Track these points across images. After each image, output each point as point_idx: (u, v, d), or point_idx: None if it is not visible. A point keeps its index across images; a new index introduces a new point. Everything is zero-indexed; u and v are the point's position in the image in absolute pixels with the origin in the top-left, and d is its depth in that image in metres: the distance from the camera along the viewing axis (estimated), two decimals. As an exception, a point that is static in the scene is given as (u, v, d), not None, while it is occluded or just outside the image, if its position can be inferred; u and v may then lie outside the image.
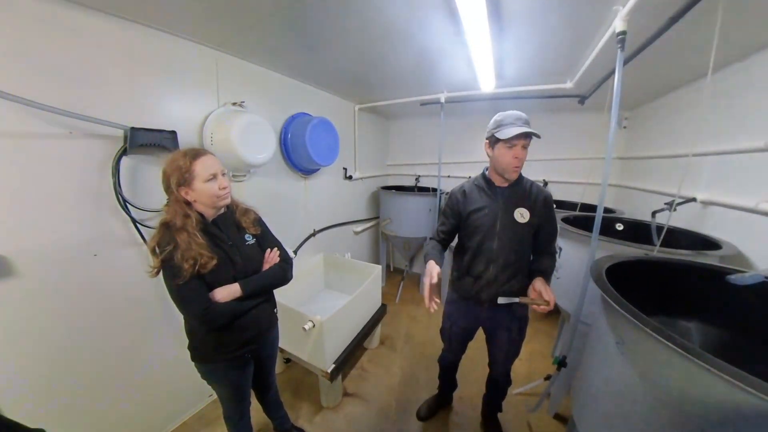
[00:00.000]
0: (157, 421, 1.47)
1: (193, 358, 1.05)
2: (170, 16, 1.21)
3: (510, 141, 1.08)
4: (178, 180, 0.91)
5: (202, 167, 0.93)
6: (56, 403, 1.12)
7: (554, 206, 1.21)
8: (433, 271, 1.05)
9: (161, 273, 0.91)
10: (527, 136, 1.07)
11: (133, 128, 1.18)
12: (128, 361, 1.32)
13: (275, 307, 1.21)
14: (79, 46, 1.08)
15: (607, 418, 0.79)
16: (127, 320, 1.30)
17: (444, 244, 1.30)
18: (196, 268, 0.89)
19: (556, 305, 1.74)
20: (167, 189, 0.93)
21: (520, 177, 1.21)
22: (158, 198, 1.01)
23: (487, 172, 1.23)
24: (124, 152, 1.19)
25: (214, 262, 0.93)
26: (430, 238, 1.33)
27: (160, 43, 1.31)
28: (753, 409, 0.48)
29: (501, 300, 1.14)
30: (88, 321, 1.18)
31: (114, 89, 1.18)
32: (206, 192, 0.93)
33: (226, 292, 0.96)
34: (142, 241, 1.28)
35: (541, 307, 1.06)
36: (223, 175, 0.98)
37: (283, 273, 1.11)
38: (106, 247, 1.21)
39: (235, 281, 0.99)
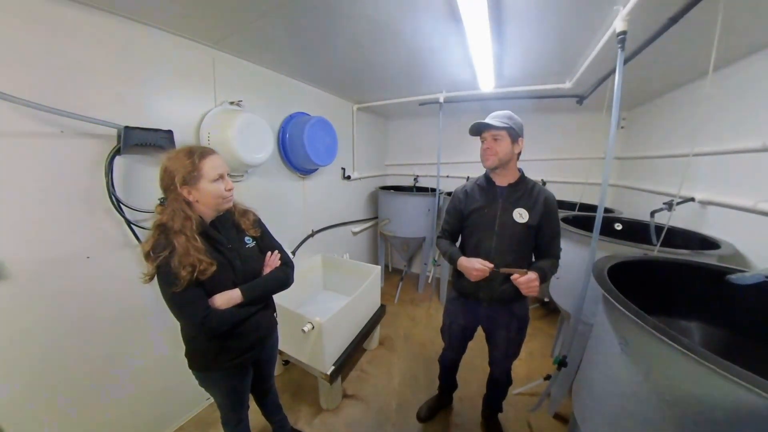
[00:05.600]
0: (153, 425, 1.44)
1: (191, 366, 1.00)
2: (166, 14, 1.19)
3: (477, 136, 1.19)
4: (183, 178, 0.85)
5: (210, 167, 0.89)
6: (47, 407, 1.09)
7: (557, 208, 1.20)
8: (475, 264, 1.13)
9: (155, 279, 0.85)
10: (488, 127, 1.12)
11: (127, 127, 1.16)
12: (123, 364, 1.29)
13: (275, 311, 1.18)
14: (70, 42, 1.05)
15: (611, 418, 0.79)
16: (121, 323, 1.27)
17: (453, 240, 1.36)
18: (195, 274, 0.83)
19: (555, 304, 1.77)
20: (167, 187, 0.88)
21: (522, 177, 1.21)
22: (153, 198, 0.98)
23: (488, 172, 1.24)
24: (117, 152, 1.16)
25: (214, 268, 0.87)
26: (438, 237, 1.38)
27: (155, 40, 1.28)
28: (758, 410, 0.48)
29: (502, 270, 1.15)
30: (81, 324, 1.15)
31: (108, 87, 1.15)
32: (212, 193, 0.90)
33: (227, 298, 0.91)
34: (136, 242, 1.25)
35: (519, 279, 1.11)
36: (228, 176, 0.95)
37: (285, 277, 1.07)
38: (99, 249, 1.18)
39: (234, 286, 0.94)
